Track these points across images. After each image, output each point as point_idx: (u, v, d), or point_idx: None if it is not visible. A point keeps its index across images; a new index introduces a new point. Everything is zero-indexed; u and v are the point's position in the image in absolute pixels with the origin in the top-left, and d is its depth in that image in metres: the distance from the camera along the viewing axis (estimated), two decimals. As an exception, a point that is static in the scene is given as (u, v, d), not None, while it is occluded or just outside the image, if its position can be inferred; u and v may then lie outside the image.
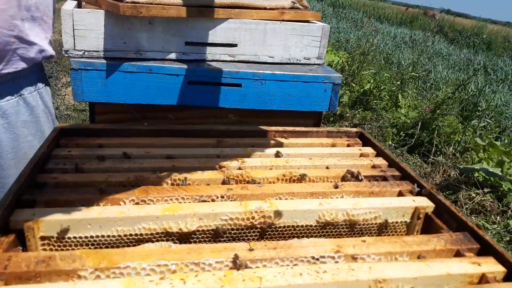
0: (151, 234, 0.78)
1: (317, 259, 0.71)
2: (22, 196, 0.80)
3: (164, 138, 1.15)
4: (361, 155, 1.16)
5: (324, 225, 0.86)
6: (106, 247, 0.77)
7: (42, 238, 0.74)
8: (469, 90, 5.68)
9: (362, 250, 0.74)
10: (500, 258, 0.74)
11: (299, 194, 0.92)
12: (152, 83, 1.34)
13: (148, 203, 0.83)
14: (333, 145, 1.23)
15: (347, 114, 5.19)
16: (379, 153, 1.17)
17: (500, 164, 3.93)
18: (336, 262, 0.72)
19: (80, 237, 0.75)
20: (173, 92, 1.37)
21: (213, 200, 0.87)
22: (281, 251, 0.71)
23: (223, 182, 0.95)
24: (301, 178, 0.99)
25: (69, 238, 0.75)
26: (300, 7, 1.70)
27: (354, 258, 0.73)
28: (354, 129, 1.30)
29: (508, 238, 3.10)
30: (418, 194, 0.96)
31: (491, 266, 0.72)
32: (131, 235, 0.77)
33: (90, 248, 0.76)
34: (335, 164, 1.08)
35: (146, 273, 0.64)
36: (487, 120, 4.96)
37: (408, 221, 0.90)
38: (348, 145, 1.23)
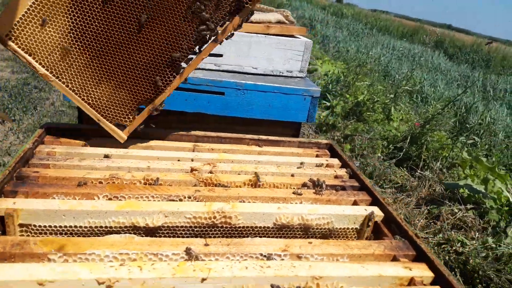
0: (120, 227, 0.86)
1: (265, 256, 0.80)
2: (5, 187, 0.88)
3: (143, 140, 1.23)
4: (327, 165, 1.24)
5: (280, 227, 0.94)
6: (78, 236, 0.85)
7: (21, 225, 0.82)
8: (460, 107, 5.78)
9: (307, 250, 0.82)
10: (431, 265, 0.82)
11: (261, 198, 1.00)
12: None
13: (120, 199, 0.91)
14: (303, 155, 1.31)
15: (339, 125, 5.29)
16: (344, 165, 1.25)
17: (485, 181, 4.02)
18: (282, 259, 0.80)
19: (55, 226, 0.84)
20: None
21: (180, 200, 0.95)
22: (234, 247, 0.80)
23: (194, 184, 1.04)
24: (256, 183, 1.07)
25: (45, 226, 0.83)
26: (287, 22, 1.80)
27: (299, 257, 0.81)
28: (325, 141, 1.38)
29: (484, 254, 3.17)
30: None
31: (421, 271, 0.81)
32: (101, 227, 0.85)
33: (63, 236, 0.84)
34: (300, 173, 1.16)
35: (108, 260, 0.73)
36: (474, 137, 5.05)
37: (359, 228, 0.99)
38: (317, 156, 1.32)
